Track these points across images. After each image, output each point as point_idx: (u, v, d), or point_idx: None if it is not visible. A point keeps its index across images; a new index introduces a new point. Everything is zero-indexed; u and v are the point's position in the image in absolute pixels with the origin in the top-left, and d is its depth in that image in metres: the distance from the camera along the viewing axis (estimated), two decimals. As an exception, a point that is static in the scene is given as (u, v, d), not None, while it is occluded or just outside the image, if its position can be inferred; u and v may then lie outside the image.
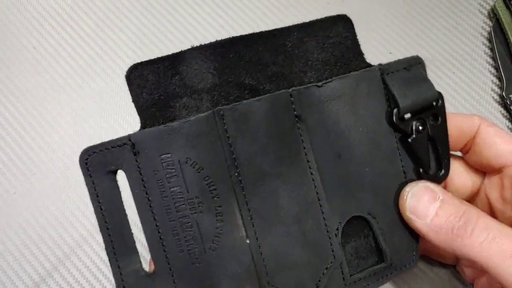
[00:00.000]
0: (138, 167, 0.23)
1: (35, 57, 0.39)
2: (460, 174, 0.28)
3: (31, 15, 0.41)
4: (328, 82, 0.25)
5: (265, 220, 0.24)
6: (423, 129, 0.26)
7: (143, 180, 0.23)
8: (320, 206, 0.25)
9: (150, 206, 0.23)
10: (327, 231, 0.25)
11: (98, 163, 0.23)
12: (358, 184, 0.25)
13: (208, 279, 0.23)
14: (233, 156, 0.23)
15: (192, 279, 0.23)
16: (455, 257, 0.31)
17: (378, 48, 0.39)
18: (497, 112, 0.37)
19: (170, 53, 0.26)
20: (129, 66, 0.28)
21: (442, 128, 0.26)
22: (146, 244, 0.24)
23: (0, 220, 0.34)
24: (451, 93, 0.38)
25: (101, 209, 0.23)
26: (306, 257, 0.24)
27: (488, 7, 0.40)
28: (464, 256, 0.23)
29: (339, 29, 0.27)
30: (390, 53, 0.39)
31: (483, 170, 0.28)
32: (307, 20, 0.29)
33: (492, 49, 0.38)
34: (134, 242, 0.24)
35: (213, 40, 0.38)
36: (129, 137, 0.23)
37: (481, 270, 0.29)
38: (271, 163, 0.24)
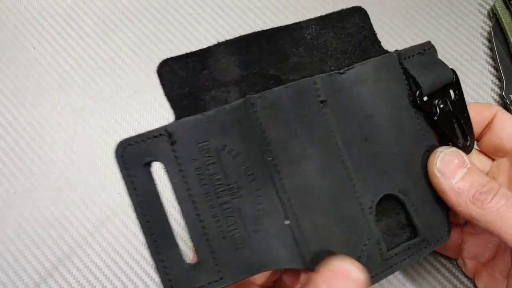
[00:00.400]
0: (176, 157, 0.23)
1: (35, 57, 0.39)
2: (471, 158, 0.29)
3: (31, 15, 0.41)
4: (350, 68, 0.26)
5: (302, 201, 0.24)
6: (445, 106, 0.27)
7: (181, 170, 0.23)
8: (353, 185, 0.25)
9: (190, 195, 0.23)
10: (362, 209, 0.25)
11: (134, 155, 0.23)
12: (388, 164, 0.26)
13: (254, 262, 0.24)
14: (266, 141, 0.24)
15: (237, 264, 0.24)
16: (457, 250, 0.31)
17: (378, 48, 0.39)
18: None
19: (170, 52, 0.27)
20: (130, 65, 0.29)
21: (461, 101, 0.28)
22: (184, 237, 0.25)
23: (0, 220, 0.34)
24: (451, 93, 0.38)
25: (140, 203, 0.23)
26: (345, 235, 0.25)
27: (488, 7, 0.40)
28: (479, 220, 0.24)
29: (355, 20, 0.29)
30: (390, 53, 0.39)
31: (493, 154, 0.29)
32: (305, 19, 0.30)
33: (492, 49, 0.38)
34: (173, 234, 0.24)
35: (212, 39, 0.40)
36: (165, 127, 0.23)
37: (482, 264, 0.30)
38: (302, 146, 0.25)
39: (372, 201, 0.26)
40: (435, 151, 0.26)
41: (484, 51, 0.39)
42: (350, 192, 0.25)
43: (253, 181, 0.24)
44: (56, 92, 0.38)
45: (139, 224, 0.23)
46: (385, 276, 0.26)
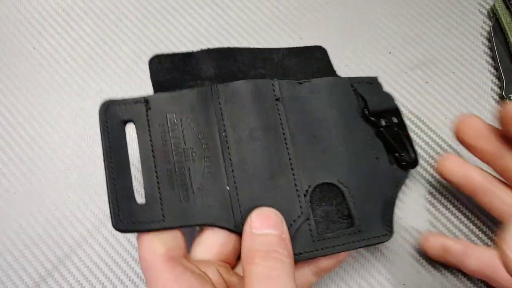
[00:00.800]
0: (147, 120, 0.29)
1: (35, 57, 0.39)
2: None
3: (31, 15, 0.41)
4: (307, 81, 0.32)
5: (244, 173, 0.29)
6: (390, 124, 0.32)
7: (150, 130, 0.29)
8: (292, 169, 0.30)
9: (153, 151, 0.29)
10: (297, 190, 0.29)
11: (114, 112, 0.29)
12: (331, 158, 0.31)
13: (193, 215, 0.28)
14: (223, 121, 0.30)
15: (179, 214, 0.28)
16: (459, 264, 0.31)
17: (377, 48, 0.39)
18: (496, 112, 0.37)
19: (169, 52, 0.33)
20: (130, 65, 0.36)
21: (402, 124, 0.32)
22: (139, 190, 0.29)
23: (0, 220, 0.35)
24: (451, 93, 0.38)
25: (109, 148, 0.28)
26: (277, 208, 0.28)
27: (488, 7, 0.40)
28: None
29: (316, 54, 0.35)
30: (390, 53, 0.39)
31: None
32: (305, 19, 0.37)
33: (491, 49, 0.39)
34: (131, 178, 0.28)
35: (212, 39, 0.41)
36: (144, 96, 0.29)
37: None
38: (252, 129, 0.30)
39: (309, 185, 0.30)
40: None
41: (484, 51, 0.39)
42: (288, 175, 0.29)
43: (205, 149, 0.29)
44: (56, 92, 0.38)
45: (105, 165, 0.28)
46: (315, 256, 0.29)
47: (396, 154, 0.32)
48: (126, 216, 0.27)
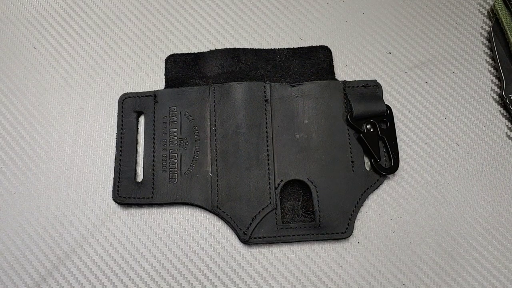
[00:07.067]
0: (154, 111, 0.36)
1: (35, 57, 0.39)
2: None
3: (31, 15, 0.41)
4: (300, 84, 0.36)
5: (225, 162, 0.34)
6: (373, 130, 0.35)
7: (154, 120, 0.35)
8: (268, 164, 0.34)
9: (154, 138, 0.35)
10: (269, 183, 0.33)
11: (129, 104, 0.36)
12: (306, 158, 0.34)
13: (177, 194, 0.34)
14: (215, 116, 0.35)
15: (165, 192, 0.34)
16: None
17: (377, 48, 0.39)
18: (496, 112, 0.37)
19: (169, 51, 0.39)
20: (130, 65, 0.38)
21: (390, 130, 0.35)
22: (139, 172, 0.35)
23: (0, 220, 0.35)
24: (451, 93, 0.38)
25: (122, 133, 0.35)
26: (249, 196, 0.33)
27: (488, 7, 0.40)
28: None
29: (319, 55, 0.38)
30: (390, 52, 0.39)
31: None
32: (305, 19, 0.40)
33: (491, 49, 0.39)
34: (135, 161, 0.35)
35: (212, 39, 0.41)
36: (154, 91, 0.36)
37: None
38: (238, 125, 0.35)
39: (281, 180, 0.34)
40: None
41: (484, 51, 0.39)
42: (264, 168, 0.34)
43: (197, 140, 0.35)
44: (56, 92, 0.38)
45: (116, 145, 0.35)
46: (277, 241, 0.33)
47: (372, 160, 0.34)
48: (124, 193, 0.34)
